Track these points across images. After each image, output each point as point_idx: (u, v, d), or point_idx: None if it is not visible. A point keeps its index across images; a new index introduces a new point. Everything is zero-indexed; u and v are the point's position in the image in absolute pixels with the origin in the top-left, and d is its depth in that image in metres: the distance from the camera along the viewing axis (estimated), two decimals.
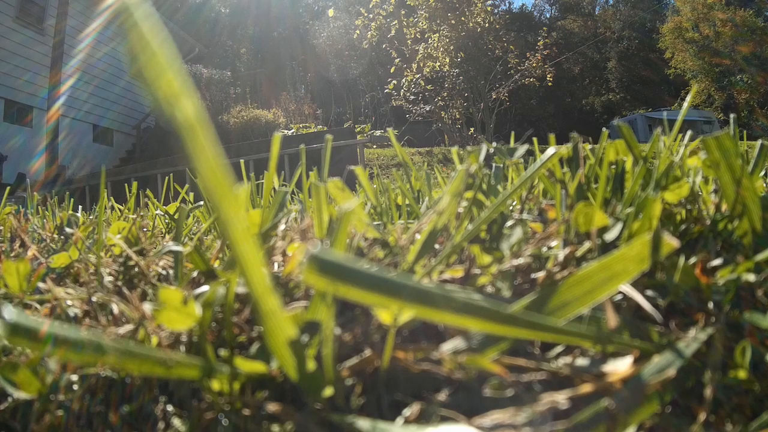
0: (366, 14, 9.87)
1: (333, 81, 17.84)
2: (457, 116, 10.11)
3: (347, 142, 7.65)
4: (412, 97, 10.15)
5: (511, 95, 22.21)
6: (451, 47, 10.01)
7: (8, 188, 1.74)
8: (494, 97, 10.09)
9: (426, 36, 10.13)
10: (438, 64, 10.06)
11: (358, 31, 9.93)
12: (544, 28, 10.75)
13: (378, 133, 11.48)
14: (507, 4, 32.09)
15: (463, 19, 9.93)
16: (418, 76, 9.82)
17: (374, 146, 10.07)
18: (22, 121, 12.50)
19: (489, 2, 10.20)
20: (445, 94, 9.94)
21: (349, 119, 14.11)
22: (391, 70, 10.12)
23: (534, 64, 10.42)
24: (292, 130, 10.85)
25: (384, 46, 9.98)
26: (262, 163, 7.64)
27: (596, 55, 32.89)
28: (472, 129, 10.09)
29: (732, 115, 0.85)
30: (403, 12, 10.22)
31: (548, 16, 35.17)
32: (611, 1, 36.94)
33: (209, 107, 13.63)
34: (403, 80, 9.97)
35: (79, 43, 13.53)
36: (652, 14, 33.47)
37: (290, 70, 19.43)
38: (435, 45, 10.04)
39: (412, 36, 10.16)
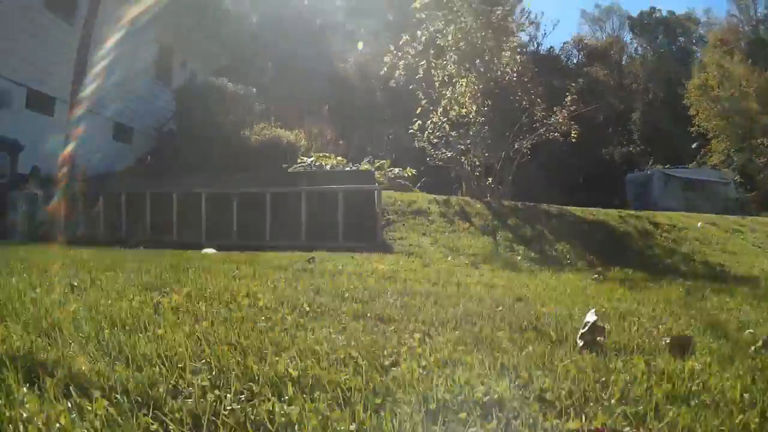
0: (395, 51, 9.65)
1: (357, 105, 17.52)
2: (477, 164, 9.85)
3: (366, 187, 7.37)
4: (435, 140, 9.89)
5: (534, 144, 22.01)
6: (479, 94, 9.78)
7: None
8: (516, 148, 9.83)
9: (454, 80, 9.91)
10: (464, 110, 9.82)
11: (385, 68, 9.68)
12: (572, 84, 10.42)
13: (396, 170, 11.21)
14: (535, 45, 32.00)
15: (492, 66, 9.71)
16: (444, 120, 9.57)
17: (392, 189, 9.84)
18: (45, 111, 12.21)
19: (517, 48, 9.93)
20: (468, 141, 9.69)
21: (369, 152, 13.83)
22: (417, 111, 9.89)
23: (561, 119, 10.16)
24: (312, 159, 10.54)
25: (411, 87, 9.73)
26: (280, 199, 7.40)
27: (621, 105, 32.63)
28: (490, 179, 9.83)
29: None
30: (432, 52, 9.99)
31: (575, 61, 34.95)
32: (639, 50, 36.80)
33: (232, 121, 13.38)
34: (428, 122, 9.73)
35: (107, 38, 12.66)
36: (679, 67, 33.20)
37: (314, 89, 19.21)
38: (462, 90, 9.81)
39: (440, 79, 9.93)
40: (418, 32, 9.80)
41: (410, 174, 11.24)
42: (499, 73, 9.78)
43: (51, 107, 12.41)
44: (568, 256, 6.46)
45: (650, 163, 29.89)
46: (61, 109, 12.15)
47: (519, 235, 7.18)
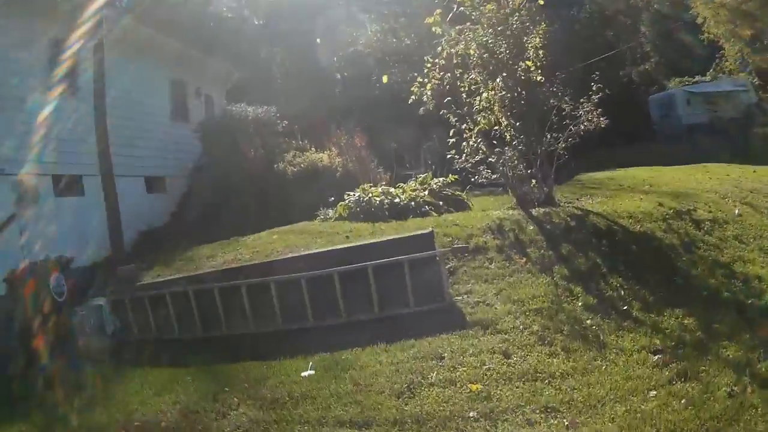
0: (421, 79, 9.75)
1: (387, 117, 17.45)
2: (521, 170, 10.04)
3: (427, 254, 7.17)
4: (473, 160, 10.07)
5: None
6: (506, 101, 9.88)
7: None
8: (552, 149, 9.99)
9: (480, 90, 9.99)
10: (494, 117, 9.95)
11: (414, 97, 9.80)
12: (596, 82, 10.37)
13: (440, 180, 11.38)
14: None
15: (515, 74, 9.78)
16: (479, 140, 9.71)
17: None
18: (73, 193, 12.03)
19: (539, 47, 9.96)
20: (505, 155, 9.87)
21: (407, 164, 13.97)
22: (450, 134, 10.03)
23: (589, 110, 10.25)
24: (358, 192, 10.71)
25: (442, 112, 9.85)
26: (347, 275, 7.30)
27: (628, 20, 31.97)
28: (534, 181, 10.03)
29: None
30: (455, 62, 10.03)
31: None
32: None
33: (263, 156, 13.59)
34: (463, 144, 9.89)
35: (116, 96, 12.72)
36: None
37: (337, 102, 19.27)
38: (489, 97, 9.91)
39: (467, 89, 10.02)
40: (439, 48, 9.85)
41: (453, 179, 11.43)
42: (523, 77, 9.82)
43: (80, 187, 12.26)
44: (623, 296, 6.71)
45: (668, 81, 29.68)
46: (90, 185, 12.09)
47: (574, 270, 7.40)
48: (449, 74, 9.88)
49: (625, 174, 14.34)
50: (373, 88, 20.48)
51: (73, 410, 5.95)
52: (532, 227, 8.64)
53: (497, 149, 9.85)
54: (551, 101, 10.16)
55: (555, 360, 5.39)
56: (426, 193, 10.79)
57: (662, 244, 7.95)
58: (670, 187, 11.21)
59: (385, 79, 10.18)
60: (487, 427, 4.47)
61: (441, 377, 5.23)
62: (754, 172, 12.83)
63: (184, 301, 7.92)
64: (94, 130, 11.57)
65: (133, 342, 7.98)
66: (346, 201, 10.61)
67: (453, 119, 9.83)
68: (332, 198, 11.05)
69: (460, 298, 7.14)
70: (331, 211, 10.91)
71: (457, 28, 9.92)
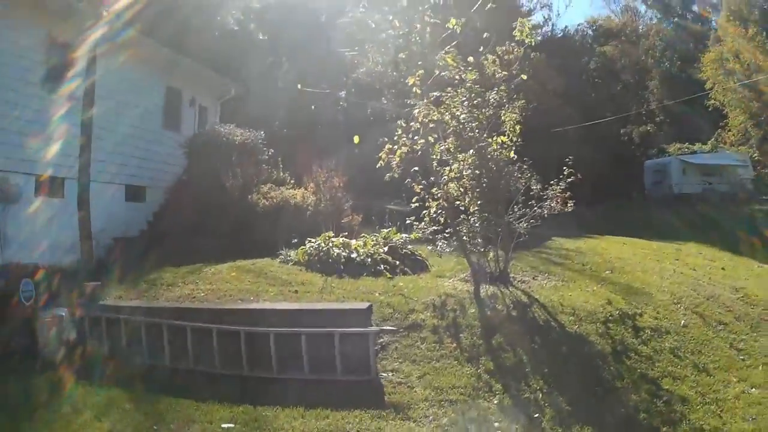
0: (390, 146, 9.72)
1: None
2: (478, 243, 10.02)
3: (359, 331, 7.30)
4: (432, 229, 10.05)
5: (548, 136, 22.01)
6: (474, 176, 9.87)
7: None
8: (514, 228, 9.98)
9: (450, 161, 9.97)
10: (462, 188, 9.93)
11: (381, 163, 9.78)
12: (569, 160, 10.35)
13: (403, 236, 11.36)
14: (551, 27, 31.37)
15: (485, 154, 9.76)
16: (440, 212, 9.69)
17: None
18: (54, 195, 12.13)
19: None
20: (465, 227, 9.85)
21: (375, 221, 13.95)
22: (413, 201, 10.01)
23: (557, 192, 10.23)
24: (319, 241, 10.74)
25: (407, 181, 9.83)
26: (282, 337, 7.44)
27: (635, 79, 31.99)
28: (491, 254, 10.01)
29: None
30: (431, 126, 10.00)
31: (589, 41, 34.12)
32: (654, 20, 35.65)
33: (239, 186, 13.58)
34: (424, 212, 9.87)
35: (104, 101, 12.68)
36: (696, 37, 32.23)
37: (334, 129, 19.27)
38: (459, 168, 9.90)
39: (438, 157, 10.00)
40: (415, 111, 9.82)
41: (416, 237, 11.42)
42: (494, 153, 9.81)
43: (61, 189, 12.34)
44: (539, 402, 6.65)
45: (668, 145, 29.77)
46: (72, 188, 11.95)
47: (500, 365, 7.37)
48: (422, 141, 9.86)
49: (596, 247, 14.28)
50: (367, 118, 20.56)
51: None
52: (473, 310, 8.62)
53: (459, 219, 9.84)
54: (521, 181, 10.15)
55: None
56: (386, 249, 10.74)
57: (593, 349, 7.87)
58: (630, 277, 11.12)
59: (356, 140, 10.09)
60: None
61: None
62: (723, 269, 12.70)
63: (137, 329, 8.19)
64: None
65: (88, 357, 8.15)
66: (307, 247, 10.60)
67: (418, 188, 9.78)
68: (295, 240, 11.01)
69: (385, 374, 7.19)
70: (293, 252, 10.88)
71: (434, 94, 9.89)
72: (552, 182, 10.27)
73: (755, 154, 28.33)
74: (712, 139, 30.27)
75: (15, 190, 11.26)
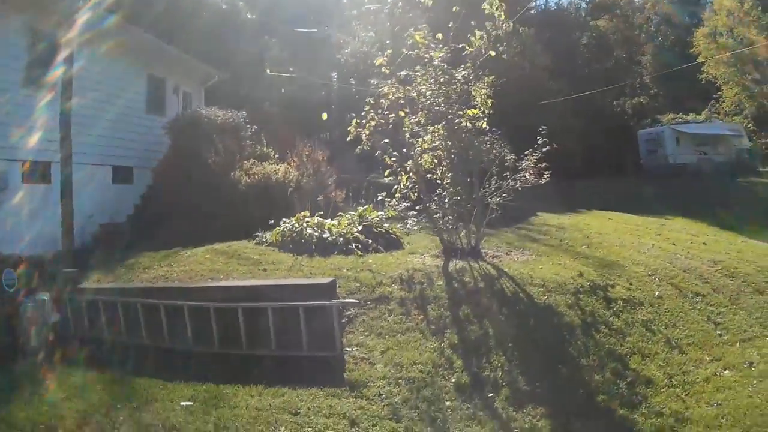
0: (357, 120, 9.50)
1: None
2: (449, 218, 9.82)
3: (324, 304, 7.24)
4: (403, 205, 9.86)
5: (537, 110, 21.68)
6: (445, 149, 9.64)
7: None
8: (487, 203, 9.76)
9: (420, 133, 9.73)
10: (435, 160, 9.69)
11: (350, 137, 9.56)
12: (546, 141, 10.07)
13: (380, 214, 11.16)
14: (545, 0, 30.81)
15: (458, 118, 9.52)
16: (411, 186, 9.48)
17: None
18: (42, 180, 12.06)
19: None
20: (437, 202, 9.65)
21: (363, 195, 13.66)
22: (386, 174, 9.80)
23: (532, 163, 9.98)
24: (292, 223, 10.50)
25: (377, 153, 9.61)
26: (249, 311, 7.37)
27: (629, 52, 31.40)
28: (463, 231, 9.80)
29: None
30: (402, 102, 9.78)
31: (583, 14, 33.49)
32: None
33: (221, 163, 13.35)
34: (395, 187, 9.66)
35: (88, 85, 12.98)
36: (692, 9, 31.58)
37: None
38: (432, 140, 9.67)
39: (410, 129, 9.78)
40: (385, 88, 9.60)
41: (392, 215, 11.24)
42: (466, 126, 9.57)
43: (48, 174, 12.20)
44: (498, 380, 6.46)
45: (662, 115, 29.17)
46: (57, 172, 11.66)
47: (464, 338, 7.18)
48: (393, 115, 9.65)
49: (579, 223, 14.07)
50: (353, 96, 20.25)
51: None
52: (441, 282, 8.45)
53: (432, 194, 9.65)
54: (493, 152, 9.89)
55: None
56: (360, 228, 10.53)
57: (562, 321, 7.67)
58: (606, 251, 10.89)
59: (324, 116, 9.88)
60: None
61: None
62: (704, 244, 12.33)
63: (114, 309, 8.19)
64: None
65: (68, 339, 8.16)
66: (281, 228, 10.42)
67: (390, 160, 9.56)
68: (271, 222, 10.79)
69: (350, 349, 7.08)
70: (268, 234, 10.71)
71: (402, 74, 9.66)
72: (526, 152, 9.97)
73: (750, 125, 27.83)
74: (706, 110, 29.73)
75: (2, 177, 11.22)
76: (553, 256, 10.18)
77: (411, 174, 9.46)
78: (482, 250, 9.93)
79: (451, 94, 9.52)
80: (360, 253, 9.90)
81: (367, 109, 9.39)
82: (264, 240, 10.73)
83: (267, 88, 21.01)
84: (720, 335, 7.88)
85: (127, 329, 8.04)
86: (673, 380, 6.64)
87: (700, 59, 28.00)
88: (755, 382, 6.47)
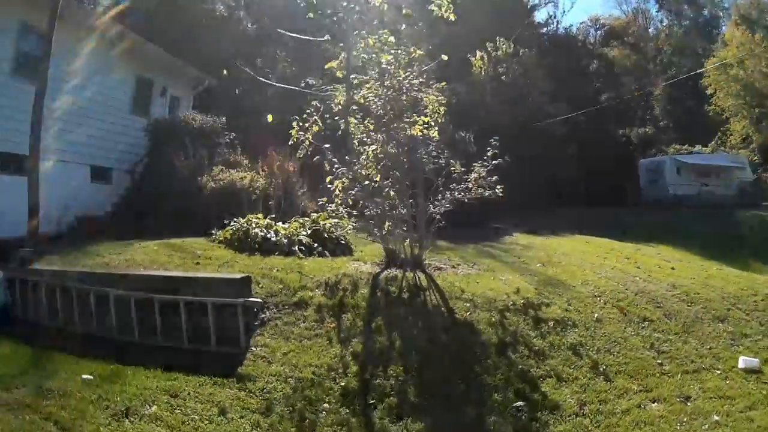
0: (299, 124, 9.13)
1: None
2: (390, 227, 9.35)
3: (232, 301, 7.01)
4: (346, 210, 9.45)
5: (536, 136, 21.04)
6: (388, 158, 9.21)
7: None
8: (430, 213, 9.27)
9: (369, 142, 9.32)
10: (372, 172, 9.26)
11: (292, 140, 9.19)
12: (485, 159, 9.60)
13: (335, 222, 10.74)
14: (555, 24, 30.19)
15: (401, 126, 9.08)
16: (352, 192, 9.05)
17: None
18: (17, 172, 11.82)
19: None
20: (376, 211, 9.19)
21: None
22: (327, 180, 9.39)
23: (478, 176, 9.45)
24: (243, 221, 10.24)
25: (316, 159, 9.22)
26: (166, 304, 7.23)
27: (640, 83, 30.60)
28: (407, 241, 9.32)
29: None
30: (354, 108, 9.41)
31: (592, 42, 32.81)
32: (665, 22, 34.13)
33: (189, 166, 13.13)
34: (335, 193, 9.26)
35: (69, 82, 13.07)
36: (705, 42, 30.74)
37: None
38: (376, 151, 9.24)
39: (359, 137, 9.38)
40: (337, 93, 9.24)
41: (346, 223, 10.82)
42: (412, 134, 9.13)
43: (22, 166, 11.70)
44: (387, 390, 5.94)
45: (668, 146, 28.29)
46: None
47: (370, 348, 6.70)
48: (343, 121, 9.30)
49: (551, 244, 13.41)
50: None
51: None
52: (365, 291, 8.00)
53: (375, 203, 9.21)
54: (440, 162, 9.41)
55: None
56: (309, 232, 10.15)
57: (477, 339, 7.12)
58: (559, 270, 10.22)
59: (269, 118, 9.53)
60: None
61: (153, 413, 5.24)
62: (672, 269, 11.49)
63: (52, 291, 8.17)
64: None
65: (17, 317, 8.29)
66: (231, 227, 10.15)
67: (328, 167, 9.16)
68: (226, 221, 10.49)
69: (255, 349, 6.78)
70: (220, 232, 10.47)
71: (354, 77, 9.31)
72: (475, 164, 9.46)
73: (756, 158, 26.79)
74: (713, 143, 28.75)
75: None
76: (500, 272, 9.61)
77: (346, 181, 9.02)
78: (426, 262, 9.42)
79: (398, 100, 9.07)
80: (301, 255, 9.56)
81: (309, 111, 9.01)
82: (216, 238, 10.57)
83: (260, 94, 20.77)
84: (660, 365, 6.96)
85: (63, 311, 8.00)
86: (585, 409, 5.88)
87: (710, 90, 27.14)
88: (685, 419, 5.67)
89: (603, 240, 14.99)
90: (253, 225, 10.25)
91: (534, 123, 20.69)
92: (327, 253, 9.96)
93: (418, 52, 9.17)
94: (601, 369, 6.72)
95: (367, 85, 9.06)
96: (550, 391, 6.18)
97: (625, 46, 31.24)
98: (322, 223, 10.64)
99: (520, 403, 5.85)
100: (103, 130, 14.59)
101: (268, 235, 9.87)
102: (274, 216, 10.97)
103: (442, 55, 9.47)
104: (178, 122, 14.36)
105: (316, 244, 10.02)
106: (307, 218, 11.04)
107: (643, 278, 10.19)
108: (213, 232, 10.76)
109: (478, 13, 23.50)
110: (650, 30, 34.17)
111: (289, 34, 14.48)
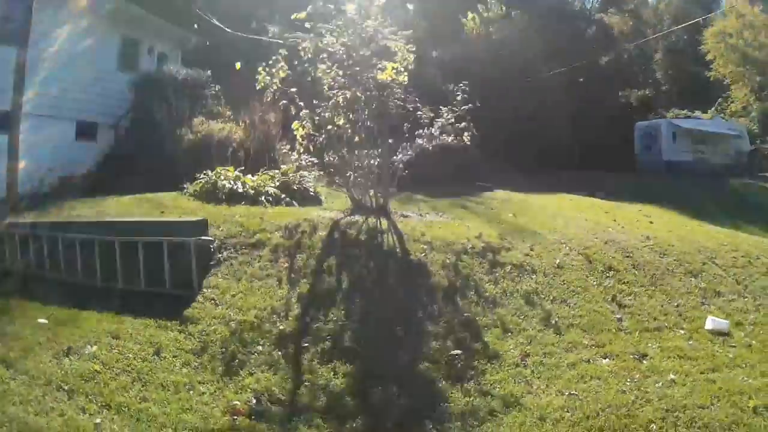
0: (268, 69, 8.83)
1: None
2: (359, 176, 9.12)
3: (185, 240, 6.93)
4: (307, 160, 9.22)
5: (522, 92, 20.45)
6: (357, 104, 8.92)
7: None
8: (394, 159, 9.01)
9: (336, 87, 9.01)
10: (343, 118, 8.98)
11: (259, 86, 8.91)
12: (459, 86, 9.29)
13: (306, 173, 10.51)
14: None
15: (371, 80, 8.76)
16: (317, 139, 8.81)
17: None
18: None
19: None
20: (341, 159, 8.94)
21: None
22: (293, 126, 9.12)
23: (445, 122, 9.15)
24: (210, 175, 10.03)
25: (282, 103, 8.94)
26: (125, 245, 7.20)
27: (638, 50, 29.75)
28: (372, 191, 9.08)
29: None
30: (322, 57, 9.09)
31: (588, 6, 31.99)
32: None
33: (170, 118, 12.89)
34: (297, 141, 9.00)
35: (52, 44, 12.90)
36: (704, 11, 29.76)
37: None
38: (347, 98, 8.95)
39: (328, 83, 9.09)
40: (305, 43, 8.92)
41: (291, 170, 10.60)
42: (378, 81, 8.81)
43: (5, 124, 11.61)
44: (321, 339, 5.79)
45: (667, 110, 27.36)
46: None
47: (315, 290, 6.55)
48: (311, 67, 9.01)
49: (529, 199, 13.08)
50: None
51: None
52: (323, 233, 7.79)
53: (341, 151, 8.97)
54: (408, 107, 9.11)
55: (169, 372, 5.13)
56: (278, 183, 9.99)
57: (428, 282, 6.90)
58: (529, 220, 9.95)
59: (237, 66, 9.24)
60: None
61: (92, 352, 5.30)
62: (651, 222, 11.08)
63: (25, 241, 8.26)
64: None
65: None
66: (201, 180, 10.01)
67: (294, 111, 8.90)
68: (198, 175, 10.32)
69: (206, 291, 6.65)
70: (190, 185, 10.41)
71: (321, 26, 8.96)
72: (442, 109, 9.15)
73: (755, 127, 26.06)
74: (713, 109, 27.98)
75: None
76: (468, 220, 9.39)
77: (309, 125, 8.76)
78: (393, 210, 9.20)
79: (364, 48, 8.75)
80: (267, 205, 9.40)
81: (276, 58, 8.71)
82: (187, 191, 10.45)
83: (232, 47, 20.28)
84: (619, 320, 6.49)
85: (35, 259, 8.08)
86: (527, 360, 5.50)
87: (709, 56, 26.39)
88: (638, 376, 5.21)
89: (586, 198, 14.65)
90: (222, 178, 10.09)
91: (526, 79, 20.16)
92: (295, 204, 9.82)
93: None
94: (553, 321, 6.31)
95: (333, 33, 8.69)
96: (492, 341, 5.83)
97: (623, 13, 30.31)
98: (291, 174, 10.45)
99: (457, 351, 5.53)
100: (89, 87, 14.36)
101: (235, 187, 9.73)
102: (243, 168, 10.73)
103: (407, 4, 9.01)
104: (161, 75, 14.03)
105: (284, 195, 9.89)
106: (277, 171, 10.82)
107: (617, 229, 9.80)
108: (185, 186, 10.63)
109: None
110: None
111: None
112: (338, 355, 5.48)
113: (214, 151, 12.09)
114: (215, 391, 4.88)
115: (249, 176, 10.34)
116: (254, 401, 4.75)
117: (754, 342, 6.15)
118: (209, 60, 17.42)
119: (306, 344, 5.64)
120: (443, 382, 5.16)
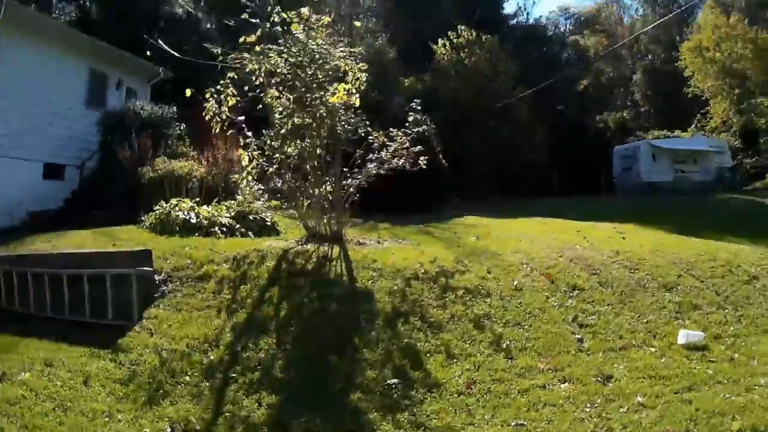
0: (211, 94, 8.63)
1: None
2: (311, 204, 8.88)
3: (125, 271, 6.86)
4: (258, 187, 9.01)
5: (496, 117, 20.39)
6: (305, 130, 8.72)
7: None
8: (346, 185, 8.79)
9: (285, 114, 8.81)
10: (292, 146, 8.76)
11: (209, 113, 8.70)
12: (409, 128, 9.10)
13: (262, 204, 10.30)
14: (525, 15, 29.69)
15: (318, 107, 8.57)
16: (252, 171, 8.60)
17: None
18: None
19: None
20: (291, 187, 8.72)
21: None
22: (241, 155, 8.91)
23: (401, 147, 8.94)
24: (175, 203, 9.90)
25: (229, 133, 8.75)
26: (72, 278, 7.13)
27: (616, 71, 29.89)
28: (325, 218, 8.84)
29: None
30: (274, 81, 8.90)
31: (562, 29, 32.16)
32: (640, 11, 33.47)
33: (134, 159, 12.78)
34: (244, 167, 8.79)
35: (19, 85, 13.23)
36: (681, 28, 30.05)
37: None
38: (295, 124, 8.74)
39: (280, 110, 8.89)
40: (255, 65, 8.73)
41: (276, 205, 10.39)
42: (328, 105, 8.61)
43: None
44: (248, 369, 5.52)
45: (646, 132, 27.39)
46: None
47: (251, 320, 6.31)
48: (262, 93, 8.82)
49: (499, 224, 12.75)
50: None
51: None
52: (270, 263, 7.54)
53: (293, 179, 8.75)
54: (360, 132, 8.90)
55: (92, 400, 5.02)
56: (233, 213, 9.76)
57: (371, 308, 6.62)
58: (492, 242, 9.63)
59: (188, 92, 9.05)
60: None
61: (24, 379, 5.24)
62: (623, 238, 10.70)
63: None
64: None
65: None
66: (156, 212, 9.80)
67: (242, 141, 8.70)
68: (156, 208, 10.14)
69: (144, 321, 6.50)
70: (146, 218, 10.30)
71: (269, 48, 8.80)
72: (393, 132, 8.94)
73: (736, 142, 25.99)
74: (692, 126, 27.96)
75: None
76: (426, 245, 9.09)
77: (255, 153, 8.58)
78: (349, 238, 8.94)
79: (312, 68, 8.57)
80: (220, 236, 9.17)
81: (224, 82, 8.52)
82: (143, 223, 10.36)
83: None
84: (579, 341, 6.12)
85: None
86: (473, 388, 5.17)
87: (687, 73, 26.46)
88: (600, 401, 4.86)
89: (560, 220, 14.38)
90: (177, 209, 9.91)
91: (496, 105, 20.10)
92: (251, 234, 9.59)
93: (327, 19, 8.63)
94: (504, 345, 5.98)
95: (280, 53, 8.52)
96: (435, 368, 5.53)
97: (598, 33, 30.47)
98: (246, 205, 10.24)
99: (394, 380, 5.24)
100: (57, 128, 14.48)
101: (188, 217, 9.52)
102: (198, 200, 10.53)
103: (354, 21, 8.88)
104: (125, 113, 13.96)
105: (238, 226, 9.66)
106: (233, 201, 10.62)
107: (585, 246, 9.30)
108: (143, 219, 10.50)
109: (446, 3, 23.17)
110: (625, 19, 33.62)
111: None
112: (266, 385, 5.24)
113: (173, 185, 11.90)
114: (131, 420, 4.72)
115: (204, 207, 10.11)
116: (168, 431, 4.53)
117: (736, 355, 5.85)
118: (181, 93, 17.38)
119: (234, 374, 5.41)
120: (374, 413, 4.87)
